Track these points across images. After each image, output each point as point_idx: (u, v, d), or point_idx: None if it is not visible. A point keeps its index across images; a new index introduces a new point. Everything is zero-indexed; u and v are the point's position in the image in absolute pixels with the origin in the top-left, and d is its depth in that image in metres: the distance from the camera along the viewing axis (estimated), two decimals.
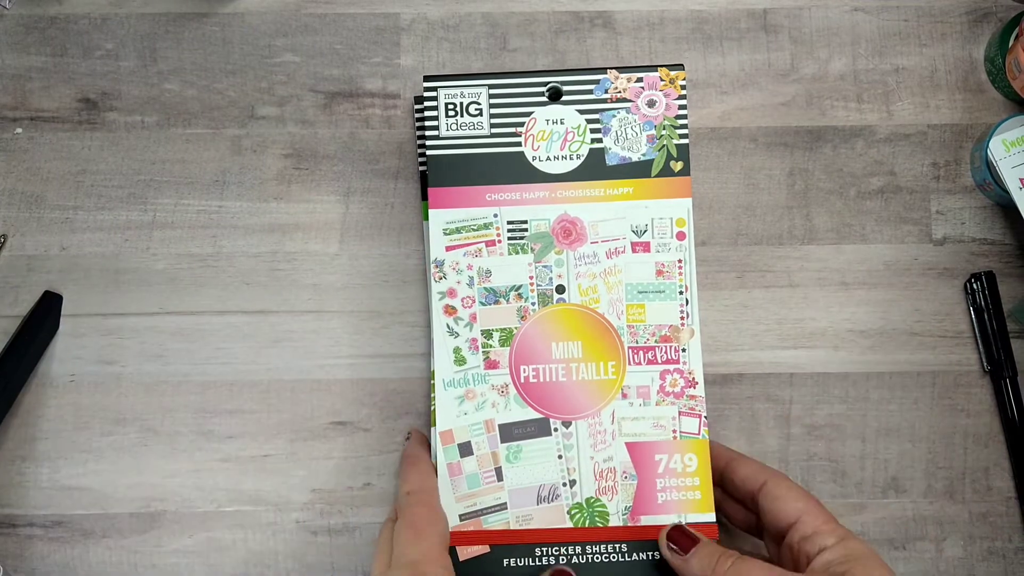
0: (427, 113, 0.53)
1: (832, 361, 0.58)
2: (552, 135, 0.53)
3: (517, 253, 0.52)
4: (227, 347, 0.57)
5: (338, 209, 0.58)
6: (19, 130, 0.59)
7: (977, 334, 0.57)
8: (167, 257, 0.58)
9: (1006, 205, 0.58)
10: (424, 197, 0.55)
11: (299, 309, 0.58)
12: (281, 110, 0.59)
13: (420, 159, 0.57)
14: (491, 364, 0.52)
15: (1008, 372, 0.56)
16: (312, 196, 0.58)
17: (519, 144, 0.53)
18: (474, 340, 0.52)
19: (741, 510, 0.52)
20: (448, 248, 0.52)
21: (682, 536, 0.48)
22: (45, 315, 0.57)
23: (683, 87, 0.53)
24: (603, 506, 0.51)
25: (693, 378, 0.52)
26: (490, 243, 0.52)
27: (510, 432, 0.51)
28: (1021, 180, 0.55)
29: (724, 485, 0.51)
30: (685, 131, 0.53)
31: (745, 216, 0.58)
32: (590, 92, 0.53)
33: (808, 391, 0.57)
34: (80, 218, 0.58)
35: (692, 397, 0.51)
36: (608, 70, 0.53)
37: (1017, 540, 0.57)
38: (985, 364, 0.57)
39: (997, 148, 0.56)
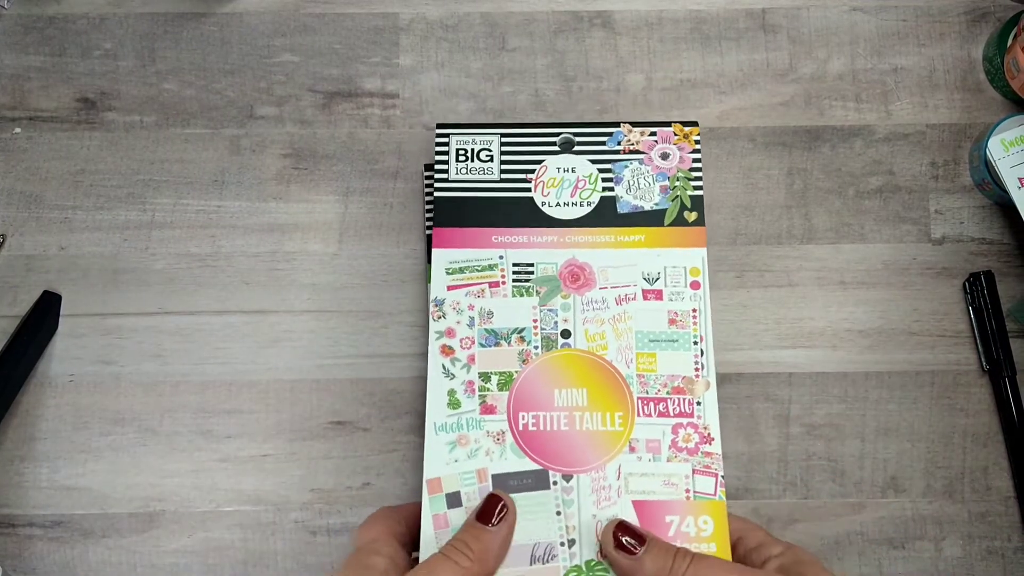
0: (437, 158, 0.52)
1: (831, 361, 0.58)
2: (563, 182, 0.52)
3: (522, 295, 0.50)
4: (226, 347, 0.57)
5: (337, 209, 0.58)
6: (18, 130, 0.59)
7: (976, 334, 0.58)
8: (166, 257, 0.58)
9: (1005, 204, 0.58)
10: (429, 260, 0.52)
11: (298, 309, 0.58)
12: (280, 110, 0.59)
13: (428, 223, 0.56)
14: (487, 409, 0.48)
15: (1007, 371, 0.56)
16: (311, 196, 0.58)
17: (529, 190, 0.52)
18: (471, 383, 0.49)
19: None
20: (450, 287, 0.50)
21: (630, 534, 0.44)
22: (44, 315, 0.57)
23: (697, 142, 0.52)
24: (605, 571, 0.46)
25: (709, 434, 0.48)
26: (494, 284, 0.50)
27: (505, 483, 0.47)
28: (1020, 180, 0.55)
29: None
30: (700, 183, 0.52)
31: (744, 216, 0.58)
32: (603, 144, 0.52)
33: (807, 391, 0.57)
34: (79, 218, 0.58)
35: (708, 454, 0.47)
36: (622, 124, 0.52)
37: (1016, 540, 0.57)
38: (984, 364, 0.57)
39: (996, 148, 0.56)
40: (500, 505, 0.45)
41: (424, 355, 0.57)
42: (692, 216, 0.51)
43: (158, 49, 0.59)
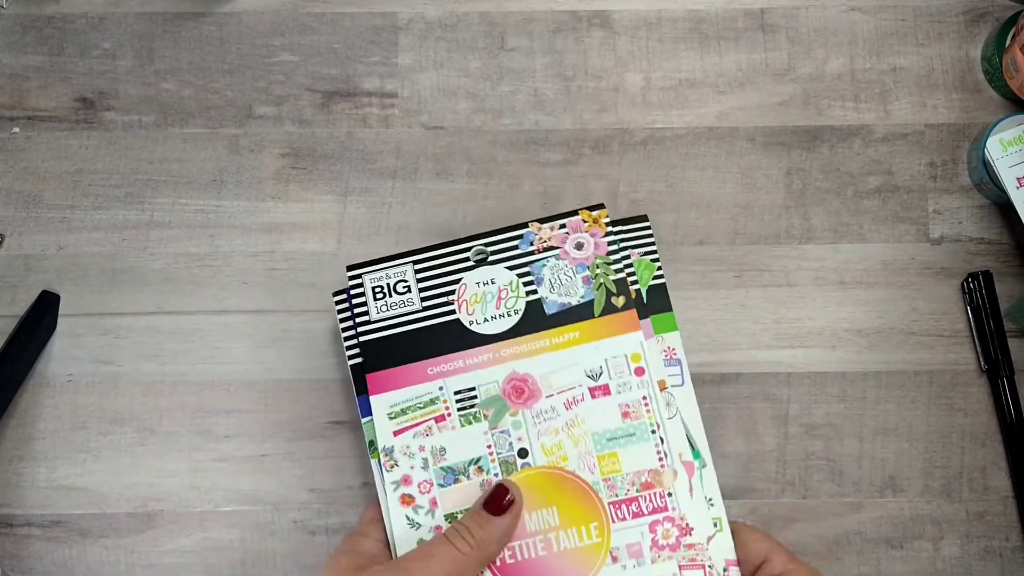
0: (355, 300, 0.50)
1: (829, 360, 0.58)
2: (485, 296, 0.50)
3: (470, 423, 0.48)
4: (225, 347, 0.57)
5: (336, 208, 0.58)
6: (16, 129, 0.59)
7: (974, 333, 0.58)
8: (164, 257, 0.58)
9: (1003, 204, 0.58)
10: (359, 392, 0.50)
11: (297, 308, 0.58)
12: (278, 109, 0.59)
13: (349, 351, 0.51)
14: None
15: (1005, 371, 0.57)
16: (310, 196, 0.58)
17: (453, 312, 0.50)
18: (438, 528, 0.47)
19: None
20: (396, 432, 0.48)
21: None
22: (42, 315, 0.56)
23: (607, 224, 0.50)
24: None
25: (687, 524, 0.46)
26: (439, 419, 0.48)
27: None
28: (1018, 179, 0.55)
29: None
30: (619, 265, 0.50)
31: (743, 215, 0.58)
32: (515, 248, 0.50)
33: (805, 390, 0.57)
34: (77, 217, 0.58)
35: (690, 547, 0.46)
36: (530, 223, 0.50)
37: (1014, 539, 0.57)
38: (982, 363, 0.57)
39: (994, 147, 0.56)
40: (507, 496, 0.46)
41: None
42: (620, 301, 0.49)
43: (157, 49, 0.59)
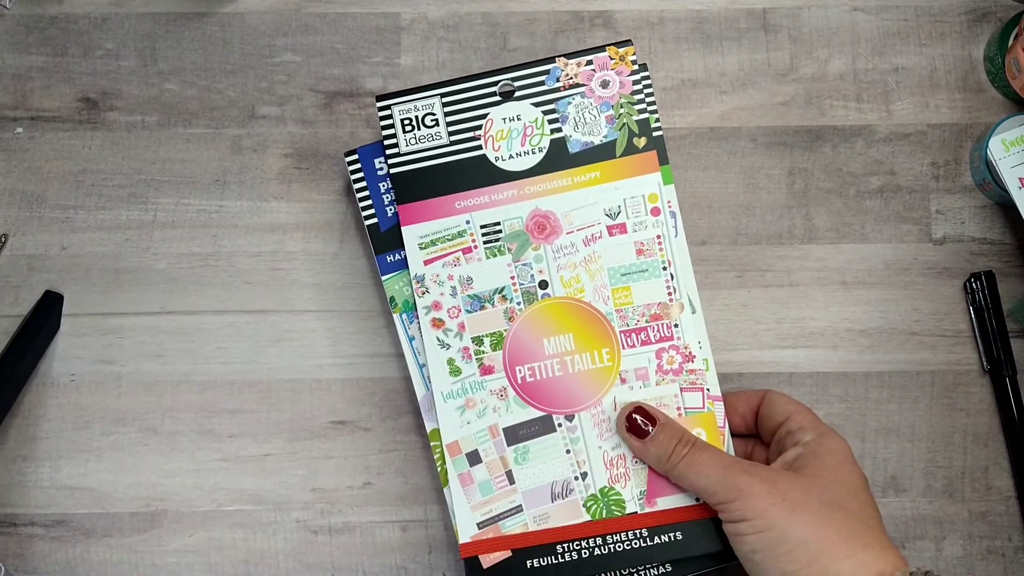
0: (384, 133, 0.53)
1: (831, 360, 0.58)
2: (511, 133, 0.52)
3: (495, 256, 0.52)
4: (227, 347, 0.57)
5: (338, 208, 0.58)
6: (20, 130, 0.59)
7: (977, 333, 0.58)
8: (167, 257, 0.58)
9: (1005, 204, 0.58)
10: (377, 252, 0.54)
11: (299, 308, 0.58)
12: (281, 109, 0.59)
13: (365, 211, 0.54)
14: (486, 370, 0.52)
15: (1008, 371, 0.57)
16: (312, 195, 0.58)
17: (480, 147, 0.52)
18: (466, 349, 0.52)
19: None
20: (426, 262, 0.52)
21: (644, 415, 0.50)
22: (46, 315, 0.57)
23: (634, 62, 0.53)
24: (618, 494, 0.51)
25: (690, 352, 0.51)
26: (466, 250, 0.52)
27: (515, 434, 0.51)
28: (1020, 180, 0.55)
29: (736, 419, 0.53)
30: (643, 106, 0.52)
31: (745, 216, 0.58)
32: (542, 84, 0.53)
33: (807, 390, 0.57)
34: (81, 217, 0.58)
35: (692, 372, 0.51)
36: (557, 58, 0.53)
37: (1016, 539, 0.57)
38: (985, 363, 0.57)
39: (996, 148, 0.56)
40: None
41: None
42: (641, 142, 0.52)
43: (160, 49, 0.59)
